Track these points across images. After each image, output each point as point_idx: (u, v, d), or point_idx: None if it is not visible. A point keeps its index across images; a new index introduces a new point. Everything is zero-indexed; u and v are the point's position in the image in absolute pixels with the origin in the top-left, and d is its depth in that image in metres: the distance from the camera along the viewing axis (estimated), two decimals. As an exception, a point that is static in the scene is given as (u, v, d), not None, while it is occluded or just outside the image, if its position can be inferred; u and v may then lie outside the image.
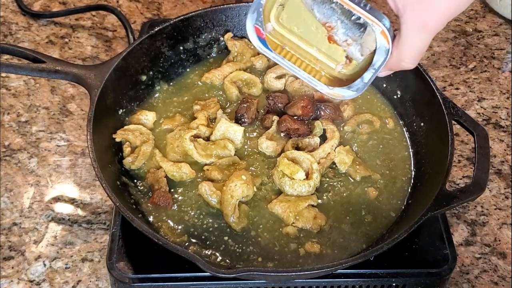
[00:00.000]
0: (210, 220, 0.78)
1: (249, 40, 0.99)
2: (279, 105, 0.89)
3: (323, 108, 0.88)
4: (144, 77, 0.92)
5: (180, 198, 0.81)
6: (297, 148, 0.84)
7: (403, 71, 0.89)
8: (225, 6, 0.97)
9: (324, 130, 0.87)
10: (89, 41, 1.16)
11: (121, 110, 0.88)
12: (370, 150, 0.88)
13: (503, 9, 1.25)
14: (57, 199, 0.89)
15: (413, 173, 0.85)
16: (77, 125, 1.00)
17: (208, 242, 0.76)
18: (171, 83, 0.96)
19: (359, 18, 0.54)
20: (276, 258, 0.74)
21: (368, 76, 0.57)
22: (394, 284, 0.73)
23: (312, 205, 0.78)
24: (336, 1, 0.56)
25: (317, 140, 0.85)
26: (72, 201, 0.89)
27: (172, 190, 0.81)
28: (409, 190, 0.83)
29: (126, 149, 0.84)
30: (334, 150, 0.84)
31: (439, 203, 0.71)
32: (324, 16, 0.57)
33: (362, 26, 0.54)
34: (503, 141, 0.99)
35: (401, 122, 0.92)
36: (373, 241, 0.76)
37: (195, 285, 0.72)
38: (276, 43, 0.63)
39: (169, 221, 0.78)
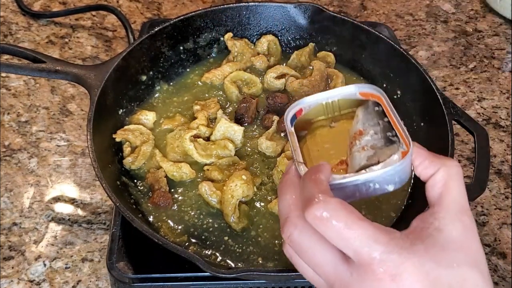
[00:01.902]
0: (210, 220, 0.78)
1: (249, 42, 1.00)
2: (279, 105, 0.89)
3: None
4: (144, 77, 0.92)
5: (180, 198, 0.81)
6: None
7: (403, 71, 0.90)
8: (225, 6, 0.97)
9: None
10: (89, 41, 1.16)
11: (121, 110, 0.88)
12: (370, 150, 0.87)
13: (503, 9, 1.25)
14: (57, 199, 0.89)
15: (413, 173, 0.85)
16: (77, 125, 1.00)
17: (208, 242, 0.76)
18: (171, 83, 0.96)
19: (395, 135, 0.54)
20: (276, 258, 0.74)
21: (357, 177, 0.54)
22: (394, 284, 0.73)
23: (312, 205, 0.78)
24: (388, 120, 0.56)
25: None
26: (72, 201, 0.89)
27: (172, 190, 0.81)
28: (409, 190, 0.83)
29: (126, 149, 0.84)
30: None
31: (439, 203, 0.71)
32: (363, 126, 0.56)
33: (390, 141, 0.54)
34: (503, 141, 0.99)
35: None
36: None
37: (195, 285, 0.72)
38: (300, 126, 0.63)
39: (169, 221, 0.78)
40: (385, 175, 0.50)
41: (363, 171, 0.50)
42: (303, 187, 0.48)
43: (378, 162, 0.52)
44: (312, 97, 0.59)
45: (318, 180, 0.48)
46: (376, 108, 0.58)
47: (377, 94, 0.58)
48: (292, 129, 0.57)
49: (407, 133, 0.53)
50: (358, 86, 0.60)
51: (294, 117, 0.58)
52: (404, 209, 0.80)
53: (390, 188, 0.51)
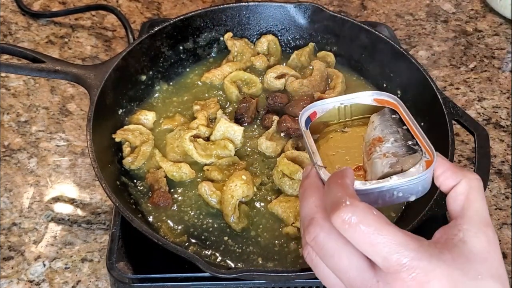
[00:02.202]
0: (210, 220, 0.78)
1: (249, 41, 1.00)
2: (279, 105, 0.89)
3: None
4: (143, 77, 0.92)
5: (180, 198, 0.80)
6: (297, 148, 0.84)
7: (403, 70, 0.90)
8: (225, 6, 0.97)
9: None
10: (89, 41, 1.16)
11: (120, 110, 0.88)
12: (370, 150, 0.87)
13: (503, 9, 1.25)
14: (56, 199, 0.89)
15: (413, 173, 0.85)
16: (76, 125, 1.00)
17: (208, 242, 0.76)
18: (171, 83, 0.96)
19: (416, 144, 0.55)
20: (276, 258, 0.74)
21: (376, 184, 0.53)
22: (394, 284, 0.73)
23: (312, 205, 0.78)
24: (407, 128, 0.56)
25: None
26: (71, 201, 0.89)
27: (172, 190, 0.81)
28: (409, 190, 0.83)
29: (126, 149, 0.84)
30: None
31: (439, 203, 0.71)
32: (382, 133, 0.57)
33: (411, 149, 0.54)
34: (503, 141, 0.99)
35: (401, 122, 0.92)
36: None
37: (195, 285, 0.72)
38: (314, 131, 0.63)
39: (169, 221, 0.78)
40: (410, 183, 0.50)
41: (388, 178, 0.50)
42: (329, 191, 0.47)
43: (402, 170, 0.52)
44: (326, 100, 0.59)
45: (345, 184, 0.47)
46: (393, 116, 0.58)
47: (394, 102, 0.59)
48: (308, 131, 0.57)
49: (429, 142, 0.53)
50: (374, 93, 0.60)
51: (309, 119, 0.58)
52: (404, 209, 0.80)
53: (412, 197, 0.52)
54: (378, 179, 0.52)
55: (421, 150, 0.53)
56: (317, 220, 0.47)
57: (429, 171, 0.50)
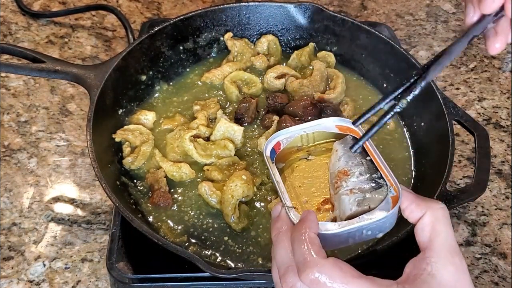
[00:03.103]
0: (210, 220, 0.78)
1: (249, 41, 1.00)
2: (279, 105, 0.89)
3: (324, 109, 0.88)
4: (144, 77, 0.92)
5: (180, 198, 0.80)
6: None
7: (404, 70, 0.90)
8: (225, 6, 0.97)
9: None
10: (89, 41, 1.16)
11: (120, 110, 0.88)
12: (370, 150, 0.87)
13: (503, 9, 1.24)
14: (56, 199, 0.89)
15: (413, 173, 0.85)
16: (76, 125, 1.00)
17: (208, 242, 0.76)
18: (171, 83, 0.96)
19: (381, 177, 0.55)
20: (276, 258, 0.74)
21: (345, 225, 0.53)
22: (394, 284, 0.73)
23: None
24: (370, 159, 0.57)
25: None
26: (71, 201, 0.89)
27: (172, 190, 0.81)
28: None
29: (126, 149, 0.84)
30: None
31: (439, 203, 0.71)
32: (347, 165, 0.57)
33: (377, 184, 0.55)
34: (503, 141, 0.99)
35: (401, 122, 0.92)
36: (373, 242, 0.76)
37: (195, 285, 0.72)
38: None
39: (169, 221, 0.78)
40: (379, 222, 0.52)
41: (357, 218, 0.52)
42: (296, 247, 0.49)
43: (369, 208, 0.53)
44: (290, 129, 0.60)
45: (310, 239, 0.49)
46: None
47: (356, 130, 0.59)
48: (274, 165, 0.57)
49: (392, 174, 0.54)
50: (336, 119, 0.61)
51: (274, 151, 0.58)
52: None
53: (380, 234, 0.54)
54: (346, 217, 0.53)
55: (386, 185, 0.54)
56: (294, 269, 0.49)
57: (396, 208, 0.52)
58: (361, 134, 0.59)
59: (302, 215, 0.52)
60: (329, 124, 0.61)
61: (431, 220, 0.51)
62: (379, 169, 0.56)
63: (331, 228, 0.51)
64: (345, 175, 0.57)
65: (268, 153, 0.58)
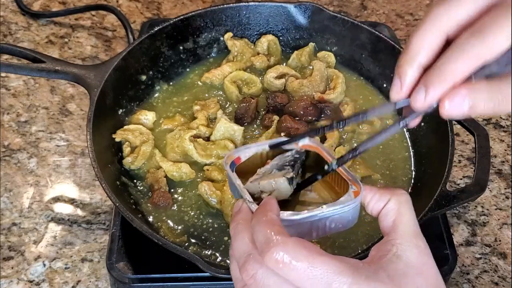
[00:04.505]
0: (210, 220, 0.78)
1: (249, 41, 1.00)
2: (279, 105, 0.89)
3: (324, 109, 0.88)
4: (144, 77, 0.92)
5: (180, 198, 0.80)
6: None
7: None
8: (225, 6, 0.97)
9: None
10: (89, 41, 1.16)
11: (120, 110, 0.88)
12: (370, 150, 0.87)
13: (503, 9, 1.24)
14: (56, 199, 0.89)
15: (413, 173, 0.85)
16: (76, 125, 1.00)
17: (208, 242, 0.76)
18: (171, 83, 0.96)
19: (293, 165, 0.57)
20: (276, 258, 0.74)
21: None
22: (394, 284, 0.73)
23: (312, 205, 0.78)
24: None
25: (316, 139, 0.85)
26: (71, 201, 0.89)
27: (172, 190, 0.81)
28: (409, 190, 0.83)
29: (126, 149, 0.84)
30: (334, 150, 0.84)
31: (439, 203, 0.71)
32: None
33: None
34: (503, 141, 0.99)
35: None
36: (373, 241, 0.76)
37: (195, 285, 0.72)
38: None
39: (169, 221, 0.78)
40: (341, 211, 0.51)
41: (318, 208, 0.50)
42: (256, 230, 0.46)
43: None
44: (250, 145, 0.59)
45: (271, 220, 0.46)
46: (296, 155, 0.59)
47: (312, 144, 0.59)
48: (234, 173, 0.57)
49: (354, 175, 0.54)
50: (303, 141, 0.59)
51: (233, 163, 0.58)
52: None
53: (343, 227, 0.53)
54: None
55: (348, 183, 0.54)
56: (255, 256, 0.45)
57: (359, 199, 0.51)
58: (320, 149, 0.58)
59: (262, 202, 0.49)
60: (292, 144, 0.60)
61: (396, 204, 0.50)
62: (341, 174, 0.55)
63: (290, 216, 0.49)
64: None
65: (228, 164, 0.58)
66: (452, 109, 0.44)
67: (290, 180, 0.55)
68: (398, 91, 0.48)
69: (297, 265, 0.42)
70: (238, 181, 0.55)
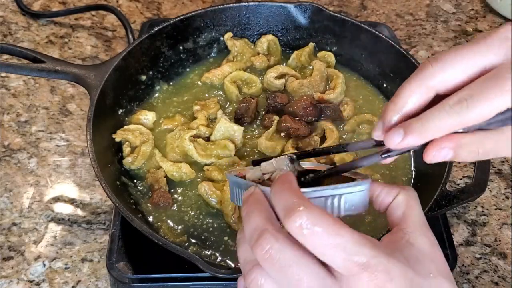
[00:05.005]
0: (210, 220, 0.78)
1: (249, 41, 1.00)
2: (279, 105, 0.89)
3: (324, 109, 0.88)
4: (144, 77, 0.92)
5: (180, 198, 0.80)
6: (297, 148, 0.84)
7: (404, 70, 0.90)
8: (225, 6, 0.97)
9: (324, 130, 0.87)
10: (89, 41, 1.16)
11: (120, 110, 0.88)
12: (370, 150, 0.87)
13: (503, 9, 1.24)
14: (56, 199, 0.89)
15: (413, 173, 0.85)
16: (76, 125, 1.00)
17: (208, 242, 0.76)
18: (171, 83, 0.96)
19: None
20: (276, 258, 0.74)
21: None
22: (394, 284, 0.73)
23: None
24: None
25: (316, 140, 0.85)
26: (71, 201, 0.89)
27: (172, 190, 0.81)
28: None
29: (126, 149, 0.84)
30: (334, 150, 0.84)
31: (439, 203, 0.71)
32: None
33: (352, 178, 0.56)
34: (503, 141, 0.99)
35: (401, 122, 0.92)
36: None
37: (195, 285, 0.72)
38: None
39: (169, 221, 0.78)
40: (353, 190, 0.50)
41: (332, 186, 0.49)
42: (278, 197, 0.45)
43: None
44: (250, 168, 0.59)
45: (293, 188, 0.45)
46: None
47: (312, 167, 0.59)
48: (238, 177, 0.56)
49: (360, 173, 0.55)
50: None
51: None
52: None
53: (355, 210, 0.52)
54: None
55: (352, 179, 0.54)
56: (270, 231, 0.43)
57: (368, 183, 0.51)
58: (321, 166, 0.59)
59: (279, 176, 0.48)
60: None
61: (405, 198, 0.50)
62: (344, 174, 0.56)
63: (307, 190, 0.47)
64: None
65: (230, 174, 0.57)
66: (436, 158, 0.46)
67: (291, 160, 0.54)
68: (379, 134, 0.50)
69: (321, 232, 0.41)
70: (244, 180, 0.54)
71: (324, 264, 0.43)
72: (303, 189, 0.47)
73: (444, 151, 0.46)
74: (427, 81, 0.47)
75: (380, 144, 0.52)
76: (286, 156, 0.55)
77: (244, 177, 0.56)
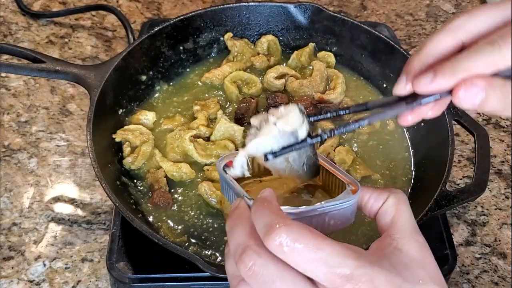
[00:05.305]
0: (210, 220, 0.78)
1: (249, 41, 1.00)
2: (279, 105, 0.89)
3: (324, 109, 0.88)
4: (144, 77, 0.92)
5: (180, 198, 0.80)
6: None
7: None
8: (225, 6, 0.97)
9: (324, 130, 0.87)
10: (89, 41, 1.16)
11: (121, 110, 0.88)
12: (370, 150, 0.88)
13: (503, 9, 1.24)
14: (57, 199, 0.89)
15: (413, 173, 0.85)
16: (77, 125, 1.00)
17: (208, 242, 0.76)
18: (171, 83, 0.96)
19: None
20: (276, 258, 0.74)
21: None
22: (394, 284, 0.73)
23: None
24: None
25: (316, 140, 0.85)
26: (72, 201, 0.89)
27: (172, 190, 0.81)
28: (409, 190, 0.83)
29: (126, 149, 0.84)
30: (334, 150, 0.84)
31: (439, 203, 0.71)
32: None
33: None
34: (503, 141, 0.99)
35: (401, 122, 0.92)
36: (373, 241, 0.76)
37: (195, 285, 0.72)
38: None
39: (169, 221, 0.78)
40: (340, 207, 0.50)
41: (318, 204, 0.49)
42: (257, 216, 0.44)
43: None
44: (241, 152, 0.58)
45: (272, 205, 0.45)
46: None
47: (328, 166, 0.59)
48: (228, 174, 0.56)
49: (349, 175, 0.54)
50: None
51: (226, 166, 0.57)
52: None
53: (341, 224, 0.52)
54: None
55: (343, 182, 0.54)
56: (252, 247, 0.43)
57: (357, 195, 0.51)
58: (325, 164, 0.58)
59: (260, 193, 0.48)
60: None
61: (394, 202, 0.50)
62: (333, 173, 0.55)
63: (291, 210, 0.48)
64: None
65: (221, 167, 0.57)
66: (466, 99, 0.44)
67: (301, 111, 0.53)
68: (402, 86, 0.48)
69: (301, 248, 0.41)
70: (234, 182, 0.54)
71: (308, 277, 0.42)
72: (287, 209, 0.47)
73: (474, 89, 0.43)
74: (454, 30, 0.46)
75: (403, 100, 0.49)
76: (297, 105, 0.53)
77: (230, 165, 0.55)
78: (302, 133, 0.53)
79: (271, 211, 0.44)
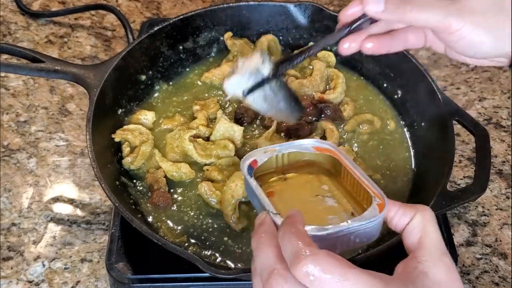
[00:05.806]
0: (210, 221, 0.78)
1: (249, 41, 1.00)
2: (279, 105, 0.89)
3: (324, 109, 0.88)
4: (143, 77, 0.92)
5: (179, 198, 0.80)
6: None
7: (404, 70, 0.89)
8: (225, 5, 0.97)
9: (324, 130, 0.87)
10: (88, 41, 1.16)
11: (120, 110, 0.88)
12: (371, 150, 0.87)
13: (503, 8, 1.24)
14: (56, 199, 0.89)
15: (413, 173, 0.85)
16: (76, 125, 1.00)
17: (207, 243, 0.75)
18: (170, 83, 0.96)
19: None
20: (276, 259, 0.74)
21: None
22: (394, 284, 0.73)
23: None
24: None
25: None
26: (71, 201, 0.89)
27: (171, 190, 0.81)
28: (409, 190, 0.83)
29: (125, 149, 0.84)
30: (334, 150, 0.83)
31: (440, 203, 0.71)
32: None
33: None
34: (504, 141, 0.99)
35: (402, 122, 0.91)
36: (373, 242, 0.75)
37: (194, 285, 0.72)
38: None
39: (168, 221, 0.78)
40: (366, 227, 0.50)
41: (345, 222, 0.50)
42: (285, 242, 0.45)
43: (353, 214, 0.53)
44: (267, 148, 0.59)
45: (299, 232, 0.46)
46: None
47: (334, 150, 0.59)
48: (253, 179, 0.56)
49: (376, 186, 0.53)
50: (314, 141, 0.61)
51: (251, 167, 0.58)
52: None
53: (367, 241, 0.52)
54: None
55: (370, 195, 0.54)
56: (279, 271, 0.44)
57: (384, 213, 0.51)
58: (339, 155, 0.58)
59: (287, 214, 0.49)
60: (307, 145, 0.60)
61: (420, 221, 0.50)
62: (361, 182, 0.55)
63: (317, 231, 0.49)
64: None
65: (245, 170, 0.57)
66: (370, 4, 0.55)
67: (264, 53, 0.60)
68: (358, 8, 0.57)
69: (328, 278, 0.42)
70: (259, 190, 0.54)
71: None
72: (313, 230, 0.48)
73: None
74: None
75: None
76: (260, 50, 0.60)
77: (254, 165, 0.58)
78: (266, 71, 0.60)
79: (298, 237, 0.45)
